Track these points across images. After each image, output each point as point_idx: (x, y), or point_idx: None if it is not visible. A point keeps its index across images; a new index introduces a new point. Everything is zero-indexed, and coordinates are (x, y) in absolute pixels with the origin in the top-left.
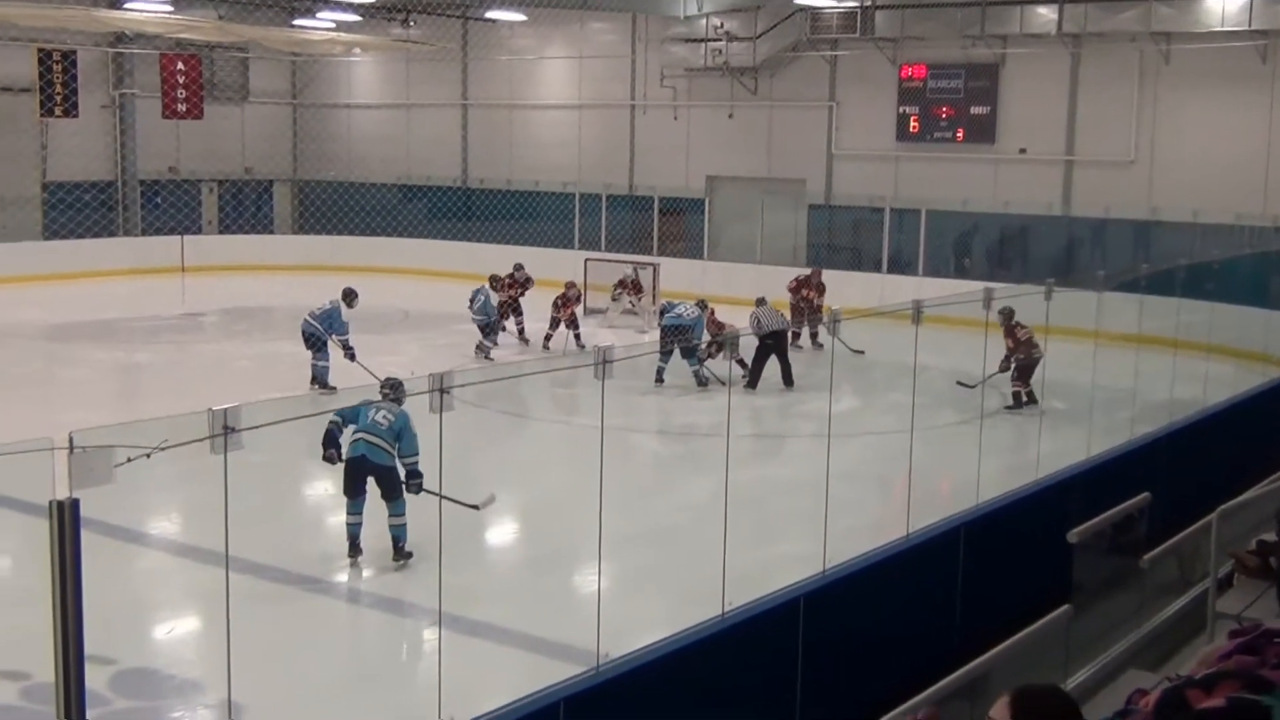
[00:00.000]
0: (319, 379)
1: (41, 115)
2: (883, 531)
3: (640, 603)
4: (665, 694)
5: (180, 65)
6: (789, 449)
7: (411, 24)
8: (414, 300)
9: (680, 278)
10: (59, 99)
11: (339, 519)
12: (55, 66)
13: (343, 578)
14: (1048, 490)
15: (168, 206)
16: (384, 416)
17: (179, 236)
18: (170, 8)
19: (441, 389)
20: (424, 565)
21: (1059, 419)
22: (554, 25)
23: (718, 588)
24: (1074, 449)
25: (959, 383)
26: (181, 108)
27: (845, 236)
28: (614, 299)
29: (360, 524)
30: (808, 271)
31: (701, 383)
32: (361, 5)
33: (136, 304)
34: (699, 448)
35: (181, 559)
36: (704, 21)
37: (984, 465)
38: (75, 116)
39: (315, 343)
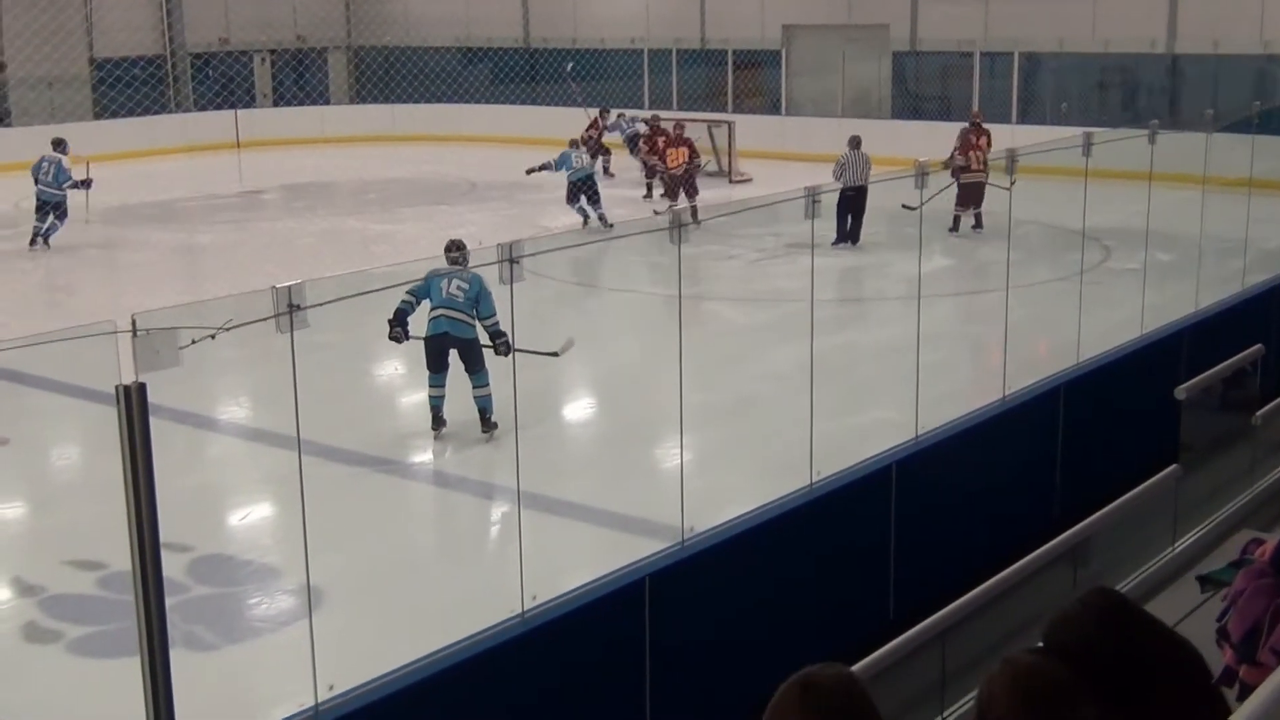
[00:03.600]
0: (47, 236)
1: None
2: (978, 394)
3: (725, 475)
4: (753, 568)
5: None
6: (877, 312)
7: None
8: (480, 170)
9: (757, 135)
10: None
11: (411, 399)
12: None
13: (419, 458)
14: (1153, 345)
15: (219, 79)
16: (458, 287)
17: (233, 111)
18: None
19: (511, 259)
20: (500, 443)
21: (1164, 271)
22: None
23: (805, 458)
24: (1181, 302)
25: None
26: None
27: (933, 85)
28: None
29: (443, 397)
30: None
31: (608, 224)
32: None
33: (193, 183)
34: (781, 314)
35: (253, 443)
36: None
37: (1085, 322)
38: None
39: (57, 206)
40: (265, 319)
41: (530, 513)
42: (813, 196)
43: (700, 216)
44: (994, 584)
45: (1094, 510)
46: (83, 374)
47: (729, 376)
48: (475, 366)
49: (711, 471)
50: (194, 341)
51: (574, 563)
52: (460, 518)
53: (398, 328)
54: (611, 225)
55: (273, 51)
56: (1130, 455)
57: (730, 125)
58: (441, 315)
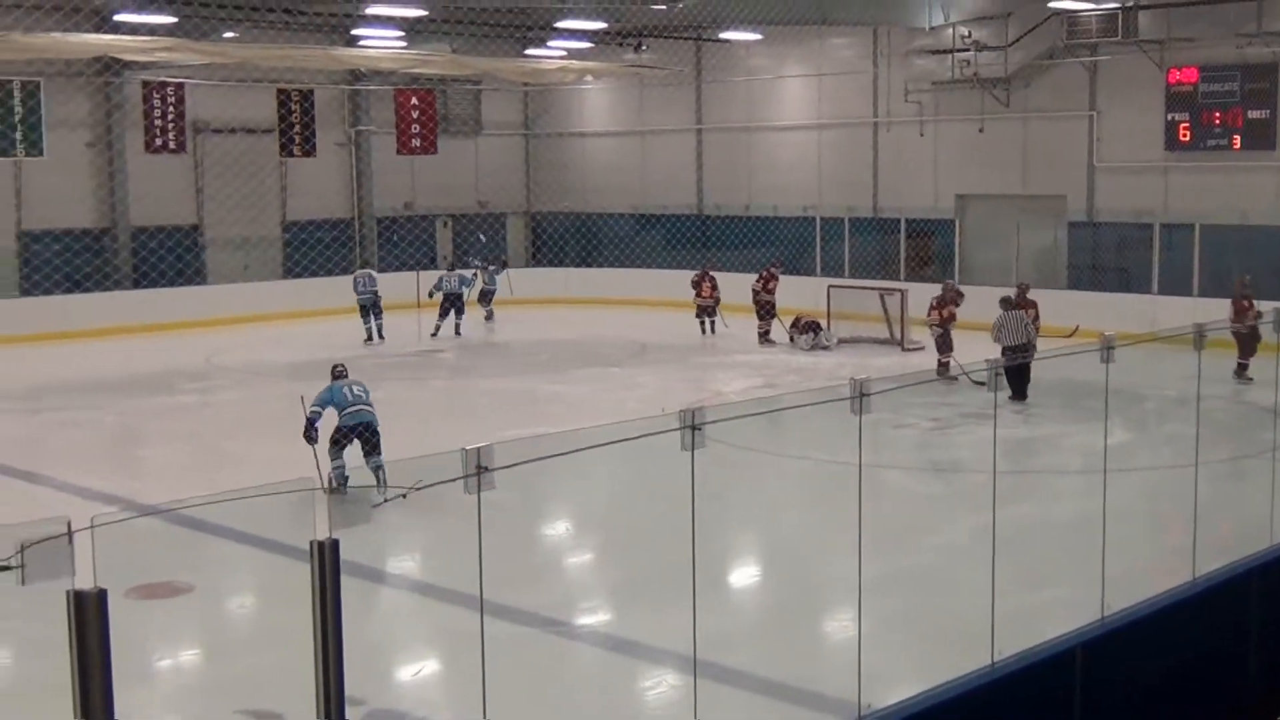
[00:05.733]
0: (380, 331)
1: (281, 155)
2: (1163, 575)
3: (898, 650)
4: None
5: (414, 100)
6: (1054, 485)
7: (644, 49)
8: (650, 332)
9: (929, 304)
10: (297, 138)
11: (579, 559)
12: (294, 106)
13: (585, 620)
14: None
15: (403, 242)
16: (361, 388)
17: (415, 272)
18: (404, 44)
19: (694, 425)
20: (668, 608)
21: None
22: (791, 43)
23: (978, 634)
24: None
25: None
26: (416, 143)
27: (1110, 256)
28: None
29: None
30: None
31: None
32: (593, 32)
33: (375, 340)
34: (955, 484)
35: (424, 598)
36: (950, 32)
37: (1277, 502)
38: (313, 155)
39: (377, 306)
40: (455, 479)
41: (700, 680)
42: (995, 370)
43: (882, 390)
44: None
45: None
46: (265, 525)
47: (901, 546)
48: (378, 448)
49: (885, 645)
50: (386, 500)
51: None
52: (627, 683)
53: (311, 431)
54: (460, 335)
55: (454, 216)
56: None
57: (903, 293)
58: (360, 409)
